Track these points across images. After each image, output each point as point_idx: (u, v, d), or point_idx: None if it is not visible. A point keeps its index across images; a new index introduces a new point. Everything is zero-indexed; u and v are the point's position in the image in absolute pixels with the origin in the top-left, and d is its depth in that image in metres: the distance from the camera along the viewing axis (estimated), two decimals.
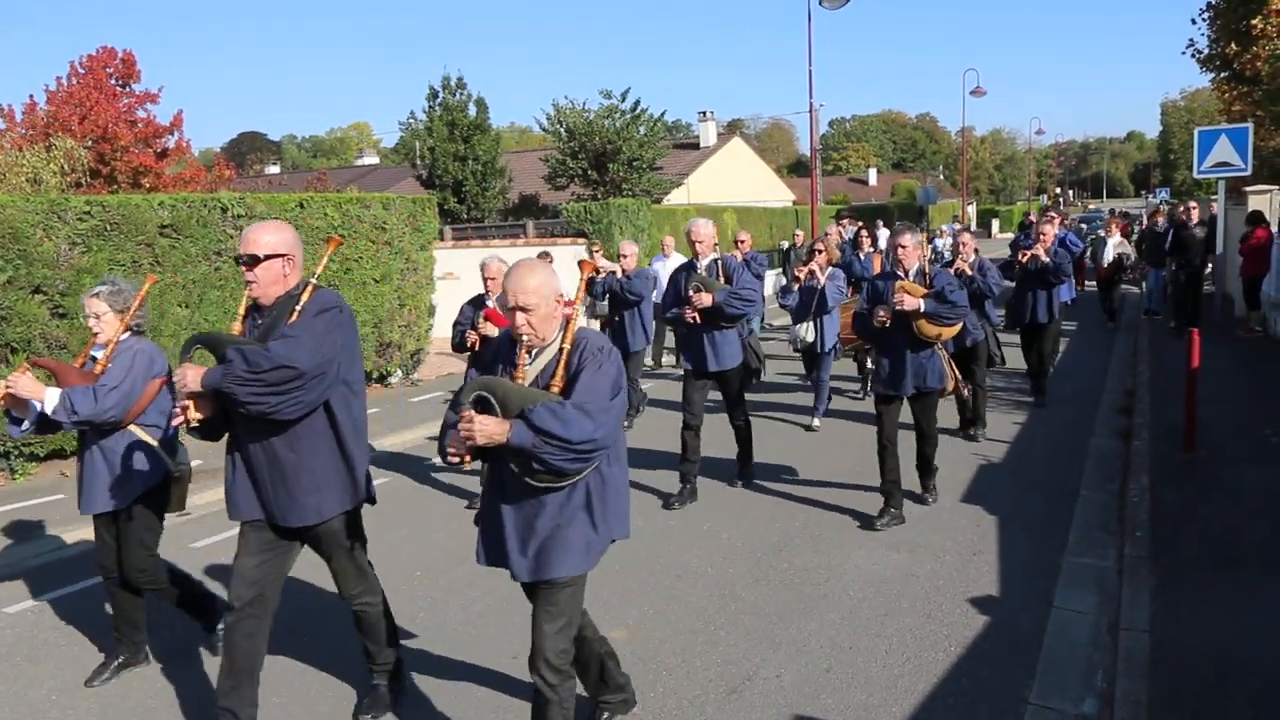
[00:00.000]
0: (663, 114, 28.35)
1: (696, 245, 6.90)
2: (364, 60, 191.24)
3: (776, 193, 44.58)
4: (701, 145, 41.39)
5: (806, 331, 9.27)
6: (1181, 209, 15.62)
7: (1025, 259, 9.61)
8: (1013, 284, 9.88)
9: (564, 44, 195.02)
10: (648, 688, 4.32)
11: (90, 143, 21.34)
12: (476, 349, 6.46)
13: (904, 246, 6.21)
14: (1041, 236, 9.86)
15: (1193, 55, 23.17)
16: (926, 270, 6.24)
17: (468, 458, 3.13)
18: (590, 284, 8.33)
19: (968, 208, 48.57)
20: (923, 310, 5.99)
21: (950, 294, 6.04)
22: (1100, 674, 4.27)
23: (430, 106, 26.52)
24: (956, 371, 6.46)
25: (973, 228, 47.72)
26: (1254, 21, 17.90)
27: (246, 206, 10.57)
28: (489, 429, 3.01)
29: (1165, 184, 76.75)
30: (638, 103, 27.30)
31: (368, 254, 12.04)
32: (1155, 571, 5.20)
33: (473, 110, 26.57)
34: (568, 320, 3.29)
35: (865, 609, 5.09)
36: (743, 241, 11.68)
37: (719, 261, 6.92)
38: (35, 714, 4.38)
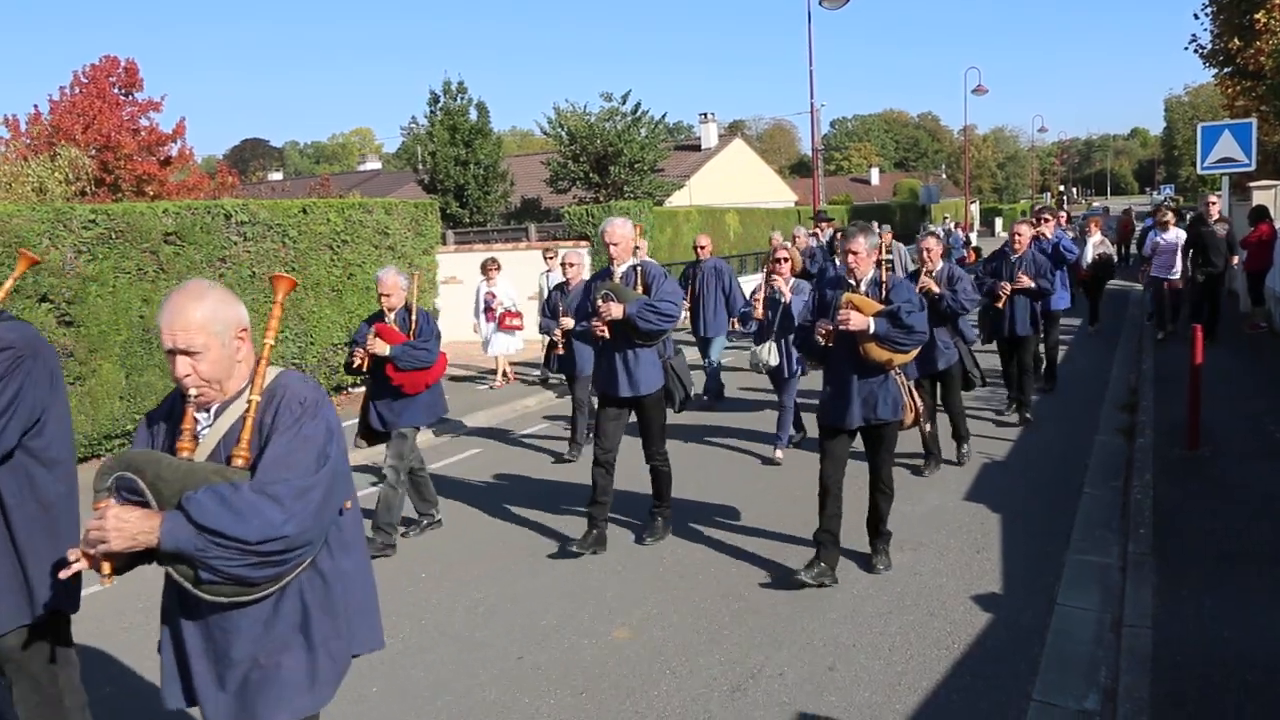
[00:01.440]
0: (664, 116, 28.48)
1: (611, 249, 5.91)
2: (365, 66, 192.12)
3: (779, 193, 44.66)
4: (703, 147, 41.54)
5: (770, 354, 7.95)
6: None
7: (1001, 300, 8.78)
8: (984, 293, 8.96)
9: (564, 47, 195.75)
10: (651, 686, 4.34)
11: (94, 151, 21.45)
12: (366, 369, 6.21)
13: (855, 252, 5.24)
14: (1016, 237, 8.97)
15: (1196, 51, 23.11)
16: (884, 280, 5.28)
17: (106, 568, 2.21)
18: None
19: (970, 206, 48.50)
20: (871, 331, 4.98)
21: (907, 315, 4.96)
22: (1103, 670, 4.28)
23: (432, 111, 26.60)
24: (917, 401, 5.44)
25: (975, 228, 47.47)
26: (1257, 16, 17.87)
27: (250, 213, 10.62)
28: (130, 526, 2.12)
29: (1170, 181, 76.76)
30: (639, 105, 27.41)
31: (370, 259, 12.08)
32: (1159, 568, 5.20)
33: (474, 114, 26.64)
34: (258, 362, 2.44)
35: (868, 607, 5.11)
36: (703, 247, 10.63)
37: (638, 269, 5.98)
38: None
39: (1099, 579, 5.35)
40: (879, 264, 5.33)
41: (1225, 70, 22.45)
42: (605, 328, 5.75)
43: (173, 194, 22.24)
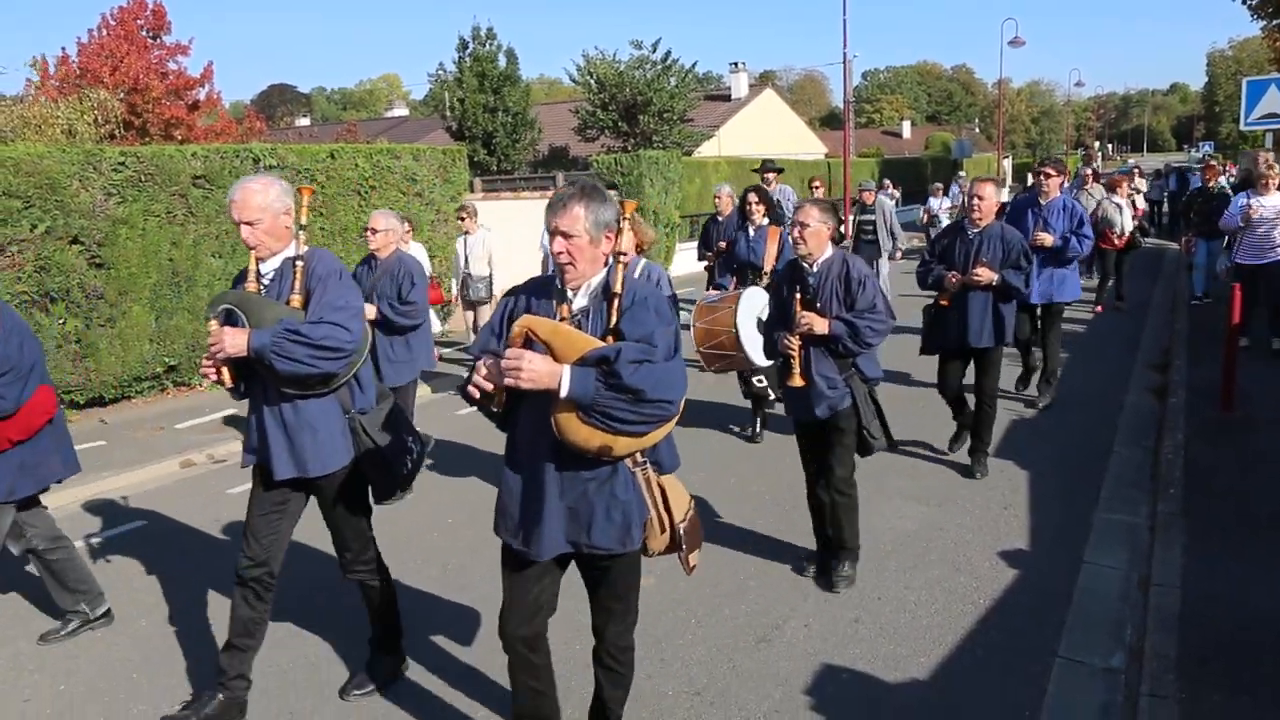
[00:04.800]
0: (694, 65, 28.03)
1: (244, 230, 3.56)
2: (393, 11, 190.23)
3: (809, 145, 44.10)
4: (733, 97, 41.01)
5: None
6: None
7: (943, 299, 6.33)
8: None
9: None
10: (676, 635, 4.37)
11: (122, 95, 21.43)
12: None
13: (569, 235, 2.84)
14: (977, 203, 6.21)
15: (1243, 1, 22.49)
16: (617, 289, 2.84)
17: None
18: None
19: (1003, 161, 47.70)
20: (564, 392, 2.66)
21: (631, 369, 2.65)
22: (1129, 629, 4.27)
23: (460, 58, 26.37)
24: (672, 514, 3.04)
25: (1008, 184, 46.28)
26: None
27: (278, 157, 10.60)
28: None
29: (1209, 138, 74.99)
30: (669, 54, 27.02)
31: (398, 205, 12.05)
32: (1188, 529, 5.16)
33: (503, 61, 26.39)
34: None
35: (894, 561, 5.11)
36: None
37: (297, 263, 3.57)
38: (80, 649, 4.51)
39: (1127, 538, 5.31)
40: (616, 258, 2.88)
41: (1275, 22, 21.80)
42: (220, 371, 3.49)
43: (200, 138, 22.23)
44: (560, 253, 2.86)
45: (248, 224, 3.50)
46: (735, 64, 41.93)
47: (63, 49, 23.74)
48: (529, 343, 2.72)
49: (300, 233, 3.64)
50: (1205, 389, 7.88)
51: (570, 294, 2.93)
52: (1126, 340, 10.85)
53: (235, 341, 3.37)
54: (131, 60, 22.53)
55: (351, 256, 11.47)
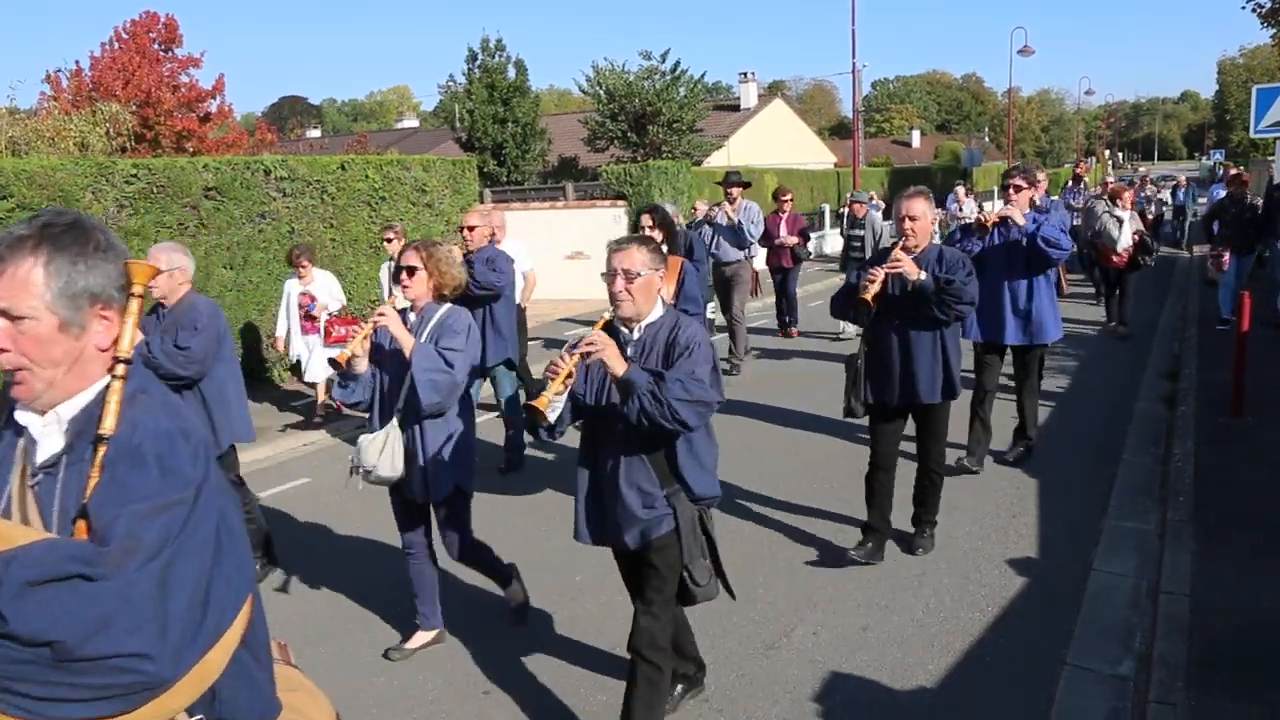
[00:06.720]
0: (703, 75, 28.18)
1: None
2: (403, 23, 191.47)
3: (818, 155, 44.16)
4: (742, 107, 41.12)
5: (379, 452, 4.02)
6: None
7: (870, 290, 4.86)
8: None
9: (603, 5, 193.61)
10: None
11: (134, 107, 21.64)
12: None
13: (14, 317, 1.55)
14: (909, 224, 4.99)
15: (1254, 10, 22.45)
16: (106, 427, 1.55)
17: None
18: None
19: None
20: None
21: (21, 603, 1.32)
22: (1139, 636, 4.25)
23: (469, 69, 26.54)
24: None
25: None
26: None
27: (290, 169, 10.68)
28: None
29: (1220, 145, 74.85)
30: (678, 64, 27.16)
31: (408, 216, 12.12)
32: (1198, 535, 5.14)
33: (512, 72, 26.55)
34: None
35: (902, 569, 5.10)
36: (471, 228, 6.76)
37: None
38: None
39: (1137, 545, 5.29)
40: (115, 368, 1.63)
41: None
42: None
43: (212, 150, 22.43)
44: (3, 349, 1.57)
45: None
46: (744, 74, 42.06)
47: (75, 62, 24.01)
48: None
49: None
50: (1216, 396, 7.85)
51: (34, 430, 1.63)
52: (1137, 348, 10.81)
53: None
54: (143, 73, 22.79)
55: (362, 268, 11.55)
